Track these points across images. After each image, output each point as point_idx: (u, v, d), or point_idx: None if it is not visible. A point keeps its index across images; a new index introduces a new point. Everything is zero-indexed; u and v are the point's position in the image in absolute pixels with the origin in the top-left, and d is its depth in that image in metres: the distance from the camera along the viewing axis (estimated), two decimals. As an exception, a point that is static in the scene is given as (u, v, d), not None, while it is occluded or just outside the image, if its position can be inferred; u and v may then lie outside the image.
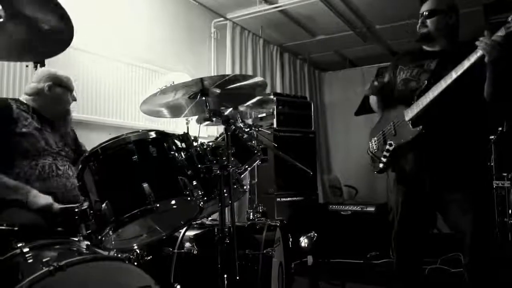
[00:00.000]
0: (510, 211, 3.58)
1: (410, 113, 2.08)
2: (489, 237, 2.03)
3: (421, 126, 2.02)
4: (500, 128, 3.64)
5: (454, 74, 1.90)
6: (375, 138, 2.30)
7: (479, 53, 1.83)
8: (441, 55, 2.10)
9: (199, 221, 2.24)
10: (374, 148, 2.30)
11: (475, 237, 1.94)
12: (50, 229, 1.68)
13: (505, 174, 3.66)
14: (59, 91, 2.06)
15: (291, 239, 2.48)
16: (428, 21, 2.10)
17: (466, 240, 1.96)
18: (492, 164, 3.62)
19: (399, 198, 2.22)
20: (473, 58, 1.85)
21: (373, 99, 2.42)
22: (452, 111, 2.00)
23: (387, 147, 2.18)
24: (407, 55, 2.30)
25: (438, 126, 2.01)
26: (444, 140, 2.01)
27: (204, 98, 1.80)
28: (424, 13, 2.12)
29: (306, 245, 2.71)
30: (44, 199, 1.76)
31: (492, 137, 3.58)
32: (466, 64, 1.87)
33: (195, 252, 1.99)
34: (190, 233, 2.10)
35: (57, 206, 1.75)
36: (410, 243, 2.18)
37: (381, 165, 2.22)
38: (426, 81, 2.04)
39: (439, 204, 2.09)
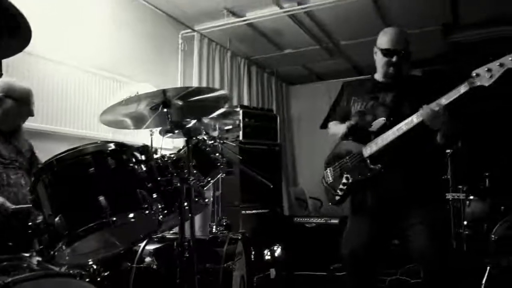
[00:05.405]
0: (465, 222, 3.72)
1: (369, 150, 2.06)
2: (446, 252, 2.05)
3: (379, 165, 2.02)
4: (456, 143, 3.80)
5: (415, 119, 1.92)
6: (331, 169, 2.26)
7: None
8: (395, 88, 2.12)
9: (160, 235, 2.20)
10: (330, 179, 2.26)
11: (432, 253, 1.96)
12: (0, 245, 1.62)
13: (460, 187, 3.81)
14: (9, 103, 1.95)
15: (253, 252, 2.47)
16: (395, 59, 2.07)
17: (424, 256, 1.98)
18: (448, 177, 3.75)
19: (354, 228, 2.21)
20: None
21: (332, 128, 2.36)
22: (410, 149, 2.01)
23: (344, 180, 2.16)
24: (360, 85, 2.29)
25: (396, 163, 2.02)
26: (402, 176, 2.04)
27: (166, 109, 1.78)
28: (390, 49, 2.08)
29: (269, 258, 2.72)
30: None
31: (448, 151, 3.73)
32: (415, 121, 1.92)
33: (155, 266, 1.95)
34: (150, 247, 2.06)
35: (9, 206, 1.68)
36: (363, 272, 2.15)
37: (337, 198, 2.21)
38: (385, 119, 2.04)
39: (396, 232, 2.13)
